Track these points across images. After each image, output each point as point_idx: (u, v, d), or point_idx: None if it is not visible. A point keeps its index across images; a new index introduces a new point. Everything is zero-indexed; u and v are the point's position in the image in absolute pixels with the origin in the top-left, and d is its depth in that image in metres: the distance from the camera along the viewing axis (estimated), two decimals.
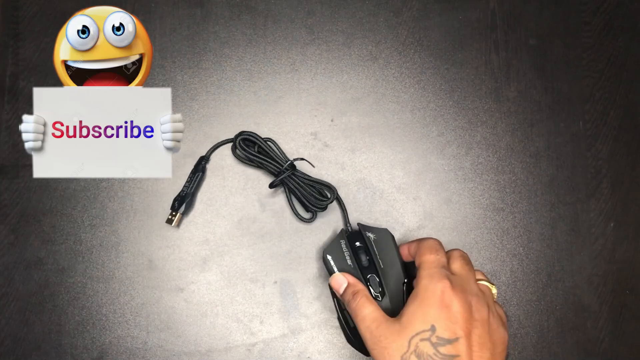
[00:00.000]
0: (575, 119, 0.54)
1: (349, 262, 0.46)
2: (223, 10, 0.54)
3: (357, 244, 0.47)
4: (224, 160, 0.52)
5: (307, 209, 0.51)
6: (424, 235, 0.51)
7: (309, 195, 0.49)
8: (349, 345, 0.49)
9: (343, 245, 0.47)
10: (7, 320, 0.49)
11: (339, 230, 0.50)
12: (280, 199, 0.51)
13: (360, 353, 0.49)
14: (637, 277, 0.52)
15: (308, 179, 0.50)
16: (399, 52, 0.54)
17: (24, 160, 0.51)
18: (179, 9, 0.54)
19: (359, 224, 0.49)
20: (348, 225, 0.50)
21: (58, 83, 0.52)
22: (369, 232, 0.48)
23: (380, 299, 0.45)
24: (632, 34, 0.55)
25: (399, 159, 0.52)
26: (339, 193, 0.51)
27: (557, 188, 0.52)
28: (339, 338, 0.49)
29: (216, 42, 0.53)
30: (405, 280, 0.47)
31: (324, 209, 0.50)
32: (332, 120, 0.52)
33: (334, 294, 0.47)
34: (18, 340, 0.49)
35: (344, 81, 0.53)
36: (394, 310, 0.45)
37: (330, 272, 0.47)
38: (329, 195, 0.50)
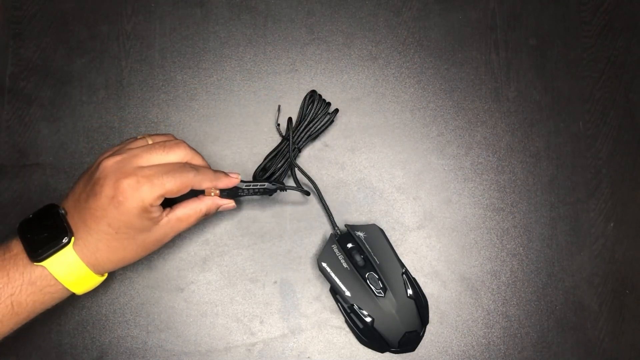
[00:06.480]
0: (575, 119, 0.54)
1: (345, 265, 0.46)
2: (223, 10, 0.54)
3: (349, 245, 0.47)
4: (224, 160, 0.52)
5: None
6: (424, 236, 0.51)
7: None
8: (349, 345, 0.49)
9: (335, 250, 0.47)
10: None
11: (328, 236, 0.50)
12: (280, 198, 0.51)
13: (365, 353, 0.49)
14: (637, 277, 0.52)
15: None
16: (399, 52, 0.54)
17: (24, 160, 0.51)
18: (179, 9, 0.54)
19: (346, 225, 0.49)
20: (336, 228, 0.49)
21: (58, 83, 0.52)
22: (358, 231, 0.48)
23: (382, 294, 0.46)
24: (632, 34, 0.55)
25: (399, 159, 0.52)
26: (338, 193, 0.51)
27: (557, 188, 0.52)
28: (339, 338, 0.49)
29: (216, 42, 0.53)
30: (403, 270, 0.47)
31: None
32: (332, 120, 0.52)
33: (337, 298, 0.47)
34: (18, 340, 0.49)
35: (344, 81, 0.53)
36: (399, 303, 0.46)
37: (328, 279, 0.47)
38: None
